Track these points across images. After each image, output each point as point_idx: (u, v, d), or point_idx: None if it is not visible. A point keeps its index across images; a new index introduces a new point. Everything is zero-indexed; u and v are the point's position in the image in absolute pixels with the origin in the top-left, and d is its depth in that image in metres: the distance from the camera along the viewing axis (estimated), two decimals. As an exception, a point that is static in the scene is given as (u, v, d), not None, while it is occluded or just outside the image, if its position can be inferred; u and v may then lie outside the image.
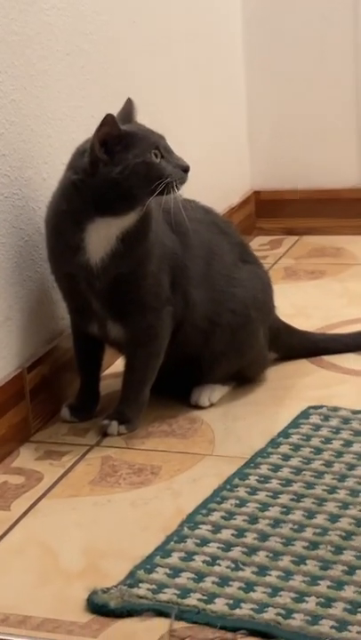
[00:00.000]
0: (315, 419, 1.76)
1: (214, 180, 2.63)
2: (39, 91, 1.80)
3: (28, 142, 1.77)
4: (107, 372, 1.92)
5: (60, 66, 1.87)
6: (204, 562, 1.35)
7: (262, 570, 1.33)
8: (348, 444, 1.66)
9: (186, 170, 1.65)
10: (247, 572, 1.32)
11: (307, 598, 1.26)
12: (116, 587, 1.31)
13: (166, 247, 1.74)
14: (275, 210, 2.97)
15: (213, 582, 1.31)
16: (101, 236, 1.66)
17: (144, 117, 2.23)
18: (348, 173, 2.92)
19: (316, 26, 2.85)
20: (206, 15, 2.68)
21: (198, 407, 1.85)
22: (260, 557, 1.35)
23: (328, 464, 1.59)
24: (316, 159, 2.94)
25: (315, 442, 1.67)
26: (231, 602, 1.26)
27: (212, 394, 1.86)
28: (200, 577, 1.32)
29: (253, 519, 1.45)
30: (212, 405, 1.85)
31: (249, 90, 2.95)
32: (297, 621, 1.22)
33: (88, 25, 1.98)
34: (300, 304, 2.33)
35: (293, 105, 2.92)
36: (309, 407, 1.80)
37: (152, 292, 1.72)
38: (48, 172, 1.83)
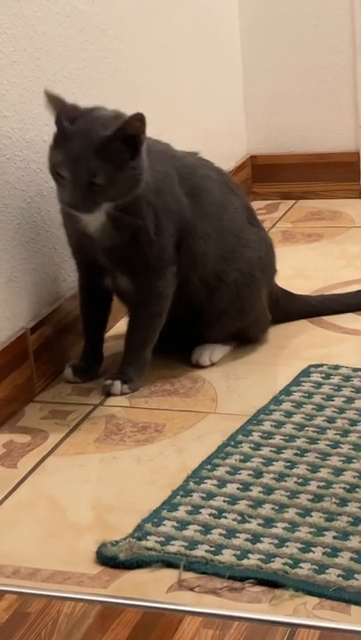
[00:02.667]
0: (316, 377, 1.78)
1: (210, 145, 2.63)
2: (39, 52, 1.80)
3: (29, 104, 1.77)
4: (109, 333, 1.93)
5: (59, 28, 1.87)
6: (210, 515, 1.37)
7: (268, 522, 1.35)
8: (349, 400, 1.68)
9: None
10: (253, 525, 1.35)
11: (313, 548, 1.28)
12: (124, 539, 1.33)
13: (173, 213, 1.75)
14: (271, 174, 2.97)
15: (220, 534, 1.33)
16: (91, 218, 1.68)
17: (141, 82, 2.24)
18: (343, 137, 2.92)
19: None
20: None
21: (199, 366, 1.87)
22: (266, 510, 1.38)
23: (330, 420, 1.62)
24: (311, 123, 2.94)
25: (316, 399, 1.69)
26: (239, 553, 1.29)
27: (212, 353, 1.88)
28: (207, 529, 1.34)
29: (258, 473, 1.47)
30: (213, 365, 1.87)
31: (245, 54, 2.94)
32: (304, 570, 1.24)
33: (87, -14, 1.98)
34: (299, 266, 2.35)
35: (289, 69, 2.92)
36: (310, 366, 1.82)
37: (153, 254, 1.74)
38: (49, 133, 1.82)
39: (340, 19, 2.84)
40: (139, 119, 1.61)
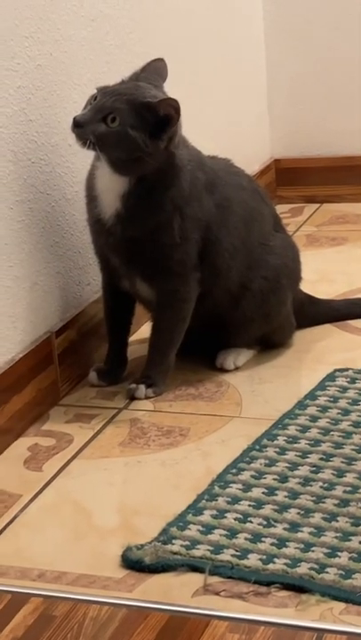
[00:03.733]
0: (341, 381, 1.77)
1: (234, 148, 2.62)
2: (65, 56, 1.81)
3: (54, 107, 1.78)
4: (133, 337, 1.93)
5: (84, 31, 1.88)
6: (235, 519, 1.37)
7: (294, 526, 1.34)
8: (375, 405, 1.67)
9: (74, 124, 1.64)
10: (279, 529, 1.34)
11: (339, 553, 1.28)
12: (149, 543, 1.33)
13: (200, 221, 1.74)
14: (295, 178, 2.97)
15: (246, 539, 1.32)
16: (109, 190, 1.69)
17: (166, 85, 2.23)
18: (368, 140, 2.92)
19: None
20: (226, -18, 2.68)
21: (224, 370, 1.86)
22: (292, 514, 1.37)
23: (356, 424, 1.61)
24: (336, 126, 2.93)
25: (342, 403, 1.68)
26: (264, 557, 1.28)
27: (237, 357, 1.88)
28: (232, 533, 1.34)
29: (283, 478, 1.46)
30: (237, 369, 1.87)
31: (269, 57, 2.94)
32: (330, 575, 1.23)
33: (112, -9, 1.98)
34: (323, 270, 2.34)
35: (313, 72, 2.91)
36: (335, 370, 1.81)
37: (176, 259, 1.74)
38: (74, 137, 1.83)
39: (364, 22, 2.83)
40: (171, 104, 1.63)
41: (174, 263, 1.74)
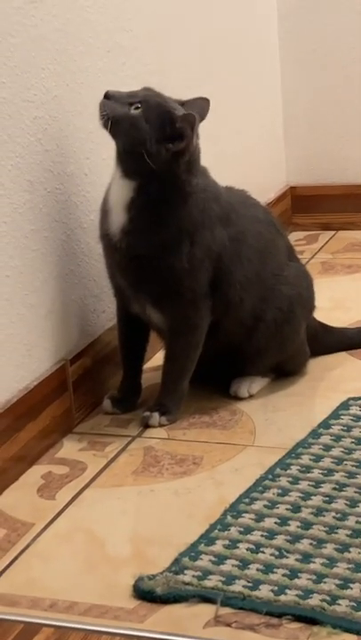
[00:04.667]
0: (355, 410, 1.77)
1: (250, 175, 2.64)
2: (81, 87, 1.83)
3: (70, 138, 1.79)
4: (147, 364, 1.94)
5: (100, 63, 1.90)
6: (248, 549, 1.37)
7: (306, 557, 1.34)
8: (388, 434, 1.67)
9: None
10: (291, 560, 1.34)
11: (351, 585, 1.27)
12: (161, 573, 1.33)
13: (211, 250, 1.75)
14: (311, 205, 2.98)
15: (258, 569, 1.32)
16: (118, 200, 1.71)
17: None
18: (384, 168, 2.93)
19: (353, 20, 2.85)
20: (243, 11, 2.70)
21: (238, 398, 1.87)
22: (304, 545, 1.37)
23: (369, 454, 1.61)
24: (351, 154, 2.94)
25: (356, 432, 1.68)
26: (276, 588, 1.28)
27: (251, 385, 1.88)
28: (244, 564, 1.34)
29: (296, 508, 1.46)
30: (251, 397, 1.87)
31: (285, 85, 2.95)
32: (342, 607, 1.23)
33: (128, 22, 2.00)
34: (338, 298, 2.34)
35: (329, 100, 2.92)
36: (349, 398, 1.81)
37: (185, 285, 1.73)
38: (90, 167, 1.85)
39: (379, 50, 2.85)
40: (189, 120, 1.67)
41: (184, 289, 1.74)
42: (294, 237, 2.91)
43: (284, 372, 1.94)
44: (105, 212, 1.76)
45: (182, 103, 1.75)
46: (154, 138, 1.67)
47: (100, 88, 1.89)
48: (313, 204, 2.97)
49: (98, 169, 1.87)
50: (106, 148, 1.76)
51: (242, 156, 2.65)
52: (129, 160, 1.70)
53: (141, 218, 1.71)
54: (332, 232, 2.92)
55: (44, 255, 1.72)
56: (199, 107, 1.76)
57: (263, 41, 2.88)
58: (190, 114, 1.68)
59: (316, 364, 1.98)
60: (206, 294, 1.76)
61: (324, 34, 2.90)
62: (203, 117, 1.76)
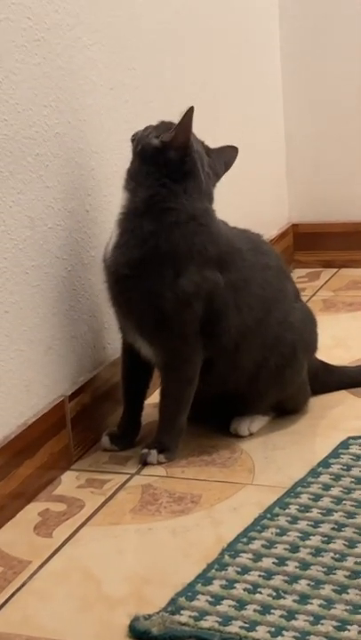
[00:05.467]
0: (355, 449, 1.76)
1: (252, 213, 2.65)
2: (83, 124, 1.84)
3: (71, 175, 1.80)
4: (148, 400, 1.93)
5: (103, 100, 1.91)
6: (245, 590, 1.35)
7: (304, 598, 1.33)
8: (388, 474, 1.66)
9: None
10: (288, 601, 1.33)
11: (349, 627, 1.26)
12: (157, 613, 1.31)
13: (199, 288, 1.71)
14: (313, 242, 2.99)
15: (255, 610, 1.31)
16: (116, 216, 1.74)
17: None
18: (386, 206, 2.94)
19: (356, 57, 2.88)
20: (246, 48, 2.72)
21: (238, 436, 1.86)
22: (302, 586, 1.36)
23: (369, 494, 1.60)
24: (354, 191, 2.95)
25: (355, 472, 1.67)
26: (273, 629, 1.27)
27: (251, 424, 1.87)
28: (241, 605, 1.32)
29: (294, 548, 1.45)
30: (251, 435, 1.86)
31: (287, 122, 2.97)
32: (339, 650, 1.22)
33: (131, 60, 2.02)
34: (339, 336, 2.34)
35: (332, 137, 2.94)
36: (349, 437, 1.81)
37: (172, 317, 1.71)
38: (91, 203, 1.86)
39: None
40: (177, 140, 1.74)
41: (171, 322, 1.71)
42: (296, 275, 2.91)
43: (285, 410, 1.93)
44: (110, 239, 1.76)
45: (209, 150, 1.78)
46: (153, 134, 1.73)
47: (103, 126, 1.90)
48: (315, 242, 2.98)
49: (99, 206, 1.88)
50: (107, 184, 1.78)
51: (244, 193, 2.66)
52: (130, 166, 1.74)
53: (127, 232, 1.72)
54: (334, 269, 2.93)
55: (44, 291, 1.73)
56: (227, 157, 1.79)
57: (267, 78, 2.90)
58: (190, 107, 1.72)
59: (316, 403, 1.98)
60: (197, 333, 1.74)
61: (328, 72, 2.92)
62: (229, 166, 1.80)
